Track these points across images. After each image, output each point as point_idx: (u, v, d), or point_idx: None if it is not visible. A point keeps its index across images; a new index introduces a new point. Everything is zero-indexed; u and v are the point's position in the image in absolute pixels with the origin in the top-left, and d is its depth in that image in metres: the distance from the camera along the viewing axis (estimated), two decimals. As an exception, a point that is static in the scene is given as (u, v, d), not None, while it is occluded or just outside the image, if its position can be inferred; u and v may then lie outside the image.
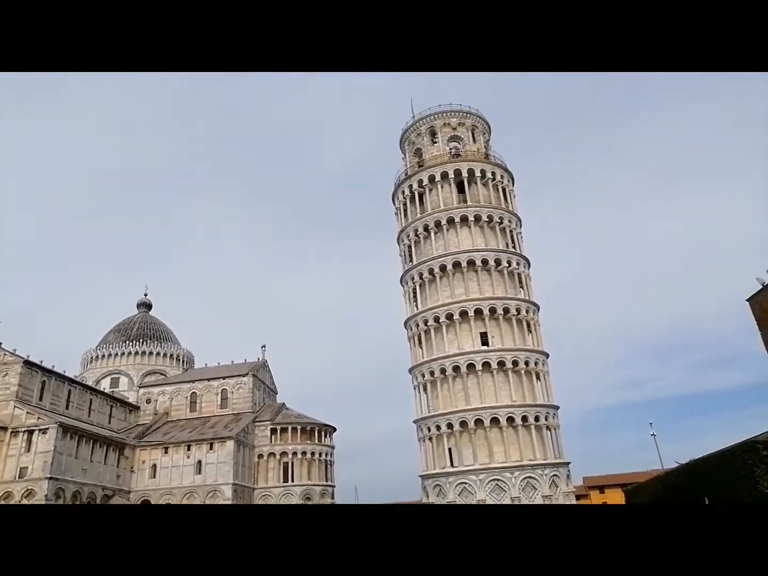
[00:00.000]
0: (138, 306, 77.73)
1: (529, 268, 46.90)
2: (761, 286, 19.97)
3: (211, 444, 53.60)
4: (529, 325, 44.05)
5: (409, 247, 47.84)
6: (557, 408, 42.82)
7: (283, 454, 57.56)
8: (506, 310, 42.85)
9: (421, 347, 45.27)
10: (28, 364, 48.92)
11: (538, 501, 37.95)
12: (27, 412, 46.33)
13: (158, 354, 69.30)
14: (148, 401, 63.88)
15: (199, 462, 52.91)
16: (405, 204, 48.89)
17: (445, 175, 46.70)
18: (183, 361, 71.49)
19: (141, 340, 69.45)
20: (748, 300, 20.79)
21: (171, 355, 70.39)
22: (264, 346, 70.06)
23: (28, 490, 42.73)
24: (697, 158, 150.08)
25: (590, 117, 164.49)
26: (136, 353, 68.06)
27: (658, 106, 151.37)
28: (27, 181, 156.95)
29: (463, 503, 38.25)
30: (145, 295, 78.75)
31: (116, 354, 67.96)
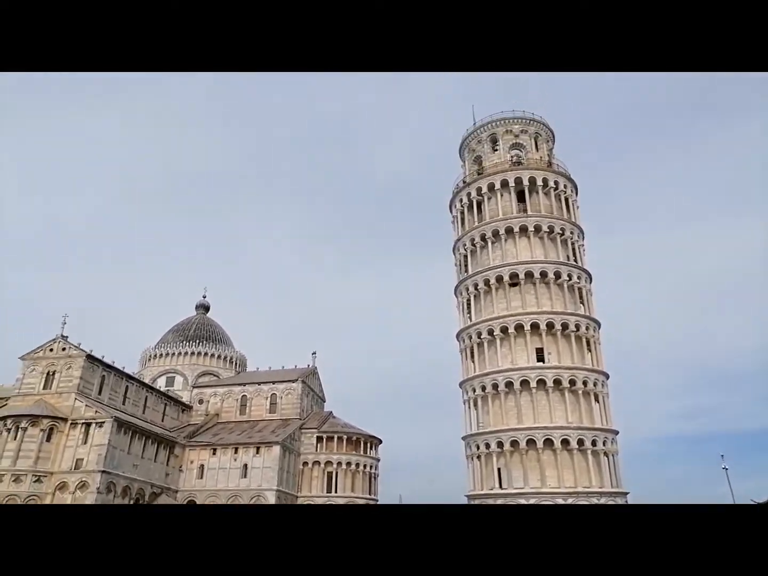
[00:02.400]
0: (196, 308, 79.81)
1: (590, 282, 44.50)
2: None
3: (258, 448, 53.63)
4: (588, 343, 41.61)
5: (465, 256, 46.49)
6: (616, 433, 40.06)
7: (328, 463, 56.90)
8: (565, 326, 40.65)
9: (473, 361, 43.67)
10: (90, 358, 50.68)
11: (594, 532, 35.32)
12: (86, 405, 47.86)
13: (213, 355, 70.62)
14: (201, 402, 65.00)
15: (245, 465, 53.01)
16: (462, 212, 47.67)
17: (505, 183, 45.19)
18: (236, 364, 72.55)
19: (197, 341, 71.05)
20: None
21: (225, 357, 71.58)
22: (314, 353, 70.10)
23: (82, 481, 43.93)
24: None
25: (665, 131, 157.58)
26: (192, 353, 69.61)
27: (726, 122, 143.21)
28: (97, 178, 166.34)
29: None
30: (204, 297, 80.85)
31: (173, 353, 69.76)
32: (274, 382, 63.79)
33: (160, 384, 66.24)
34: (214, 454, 54.20)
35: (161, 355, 70.22)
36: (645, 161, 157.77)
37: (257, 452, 53.40)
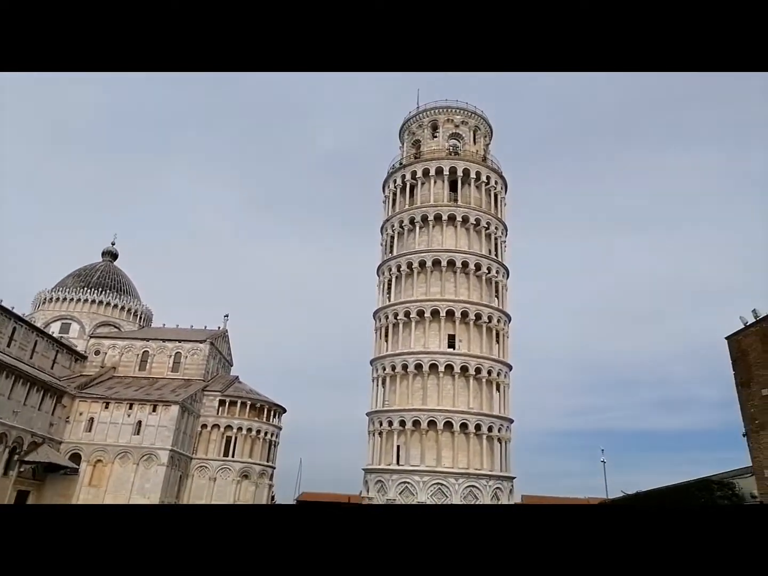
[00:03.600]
0: (103, 254, 74.66)
1: (507, 278, 46.43)
2: (743, 325, 19.55)
3: (155, 406, 51.62)
4: (498, 335, 43.53)
5: (392, 237, 46.84)
6: (512, 422, 42.43)
7: (228, 427, 55.92)
8: (478, 316, 42.24)
9: (386, 340, 44.37)
10: (-27, 292, 46.15)
11: (479, 512, 37.39)
12: (-37, 342, 43.73)
13: (115, 306, 66.57)
14: (97, 353, 61.31)
15: (140, 422, 50.89)
16: (395, 193, 47.87)
17: (440, 171, 45.83)
18: (140, 318, 68.95)
19: (100, 289, 66.63)
20: (727, 338, 20.41)
21: (129, 310, 67.75)
22: (227, 316, 68.17)
23: (-49, 423, 40.26)
24: (686, 200, 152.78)
25: (592, 138, 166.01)
26: (93, 302, 65.21)
27: (658, 141, 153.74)
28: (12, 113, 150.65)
29: (407, 503, 37.47)
30: (113, 243, 75.71)
31: (71, 299, 64.99)
32: (180, 341, 61.38)
33: (54, 330, 61.63)
34: (106, 407, 51.53)
35: (58, 299, 65.26)
36: (576, 169, 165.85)
37: (154, 410, 51.40)
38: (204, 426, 55.79)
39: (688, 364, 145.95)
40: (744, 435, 18.59)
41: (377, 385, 43.69)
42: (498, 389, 42.43)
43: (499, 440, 40.81)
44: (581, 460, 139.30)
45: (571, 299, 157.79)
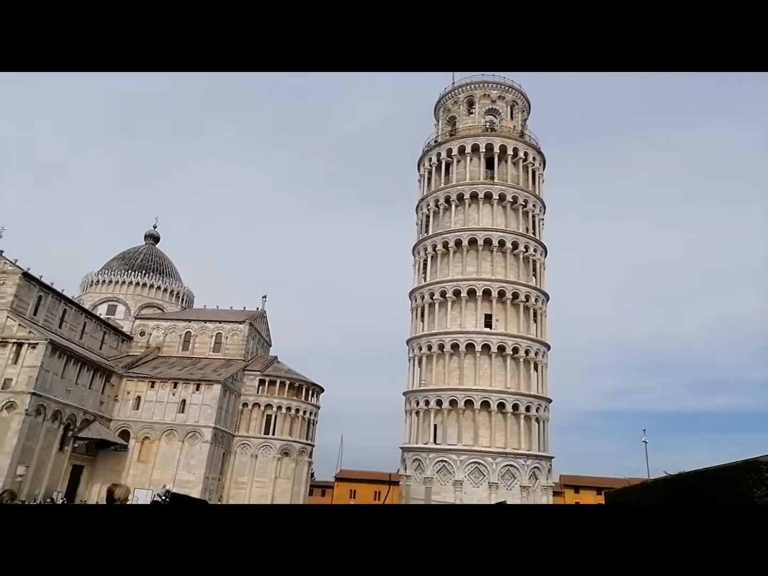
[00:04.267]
0: (145, 237, 76.73)
1: (545, 256, 45.54)
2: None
3: (198, 385, 53.21)
4: (535, 314, 42.90)
5: (428, 216, 46.45)
6: (550, 401, 41.98)
7: (268, 406, 57.22)
8: (515, 295, 41.66)
9: (422, 320, 44.30)
10: (27, 276, 48.18)
11: (516, 490, 37.40)
12: (19, 324, 45.75)
13: (158, 288, 68.53)
14: (142, 334, 63.45)
15: (184, 401, 52.60)
16: (430, 172, 47.32)
17: (476, 148, 44.98)
18: (182, 299, 70.84)
19: (143, 272, 68.65)
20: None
21: (171, 291, 69.64)
22: (265, 297, 69.36)
23: (9, 401, 42.42)
24: (727, 171, 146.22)
25: (630, 116, 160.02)
26: (137, 284, 67.30)
27: (697, 116, 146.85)
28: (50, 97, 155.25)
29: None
30: (154, 227, 77.69)
31: (117, 282, 67.21)
32: (220, 322, 62.87)
33: (101, 312, 64.00)
34: (152, 386, 53.40)
35: (104, 281, 67.59)
36: (618, 148, 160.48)
37: (197, 389, 53.00)
38: (245, 404, 57.23)
39: (736, 345, 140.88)
40: (796, 416, 17.82)
41: (414, 365, 43.81)
42: (536, 369, 41.96)
43: (537, 420, 40.47)
44: (619, 441, 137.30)
45: (609, 278, 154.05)
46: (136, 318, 64.75)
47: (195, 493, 46.32)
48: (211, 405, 51.84)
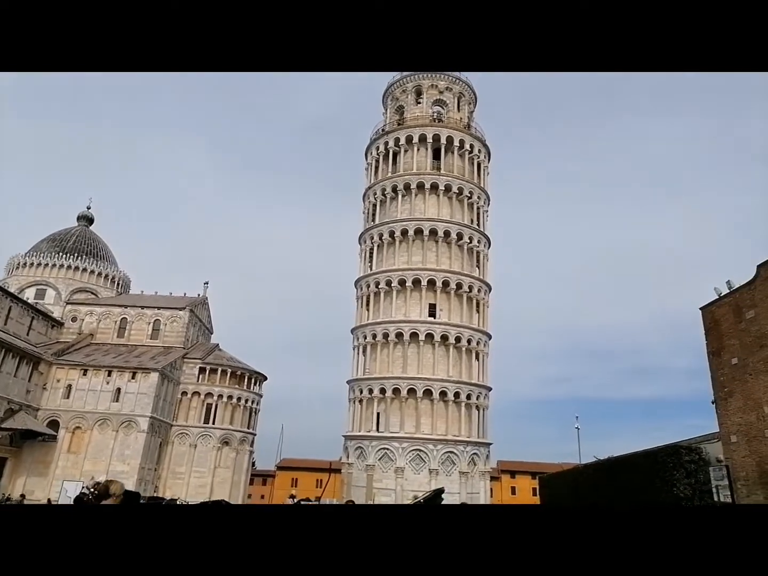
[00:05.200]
0: (78, 219, 72.72)
1: (488, 247, 46.48)
2: (717, 296, 19.87)
3: (134, 373, 51.33)
4: (478, 305, 43.80)
5: (374, 205, 46.38)
6: (490, 389, 43.10)
7: (208, 395, 55.95)
8: (459, 286, 42.36)
9: (368, 309, 44.38)
10: (-57, 256, 44.85)
11: (455, 476, 38.29)
12: (-66, 308, 42.66)
13: (92, 272, 65.26)
14: (74, 319, 60.43)
15: (119, 390, 50.64)
16: (378, 161, 47.20)
17: (423, 138, 45.18)
18: (118, 284, 67.81)
19: (76, 255, 65.16)
20: (701, 308, 20.76)
21: (106, 276, 66.51)
22: (207, 283, 67.52)
23: (-77, 389, 39.55)
24: (668, 170, 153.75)
25: (571, 114, 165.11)
26: (69, 267, 63.83)
27: (637, 113, 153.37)
28: None
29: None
30: (88, 208, 73.72)
31: (46, 264, 63.50)
32: (159, 308, 60.72)
33: (28, 296, 60.39)
34: (84, 374, 51.09)
35: (32, 264, 63.74)
36: (558, 138, 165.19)
37: (133, 377, 51.13)
38: (184, 393, 55.73)
39: (663, 335, 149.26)
40: (713, 402, 19.07)
41: (358, 354, 43.88)
42: (477, 358, 42.92)
43: (477, 408, 41.49)
44: (557, 427, 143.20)
45: (550, 270, 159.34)
46: (67, 303, 61.55)
47: (129, 484, 44.80)
48: (148, 393, 50.16)
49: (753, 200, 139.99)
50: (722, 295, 19.64)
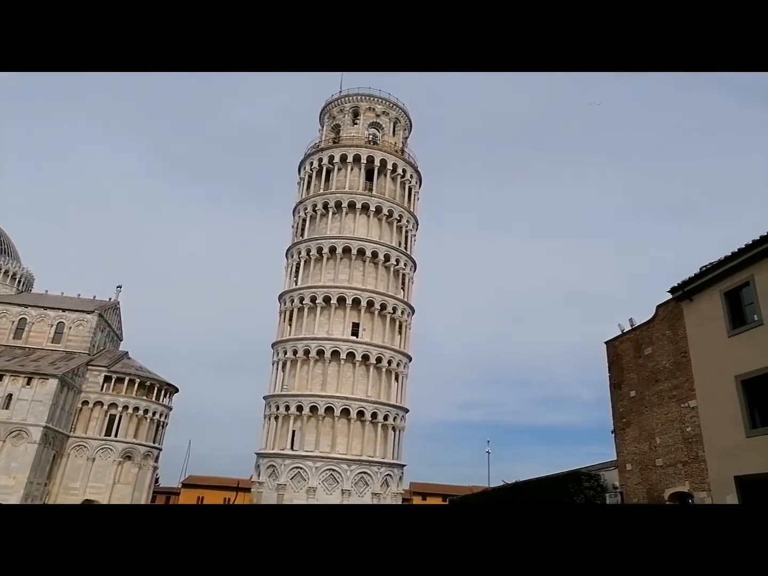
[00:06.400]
0: (-22, 208, 67.14)
1: (414, 270, 47.40)
2: (621, 332, 21.30)
3: (30, 379, 47.44)
4: (401, 326, 44.39)
5: (304, 220, 46.15)
6: (407, 411, 43.56)
7: (112, 405, 52.60)
8: (383, 306, 42.79)
9: (290, 324, 43.76)
10: None
11: (368, 497, 38.15)
12: None
13: (-11, 267, 60.10)
14: (-36, 317, 55.15)
15: (10, 395, 46.56)
16: (311, 176, 47.11)
17: (357, 159, 45.68)
18: (19, 282, 62.70)
19: (-29, 247, 59.85)
20: (606, 342, 22.14)
21: (6, 272, 61.30)
22: (120, 287, 63.87)
23: None
24: (583, 212, 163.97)
25: (506, 149, 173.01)
26: (-39, 259, 58.47)
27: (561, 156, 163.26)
28: None
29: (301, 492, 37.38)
30: (-9, 197, 68.23)
31: (-65, 254, 57.86)
32: (64, 310, 56.72)
33: None
34: (-30, 378, 46.56)
35: None
36: (486, 172, 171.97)
37: (28, 383, 47.24)
38: (85, 402, 52.09)
39: (570, 367, 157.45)
40: (612, 432, 20.33)
41: (277, 369, 43.03)
42: (397, 379, 43.33)
43: (394, 429, 41.75)
44: (470, 450, 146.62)
45: (470, 297, 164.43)
46: (-44, 298, 56.13)
47: (14, 499, 41.02)
48: (44, 401, 46.47)
49: (659, 243, 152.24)
50: (625, 331, 21.15)
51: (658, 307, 18.65)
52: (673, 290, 17.74)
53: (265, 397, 42.84)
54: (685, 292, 17.14)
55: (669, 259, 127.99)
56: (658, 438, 17.59)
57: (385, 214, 45.15)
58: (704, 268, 16.57)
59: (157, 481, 60.10)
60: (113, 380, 53.56)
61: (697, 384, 16.32)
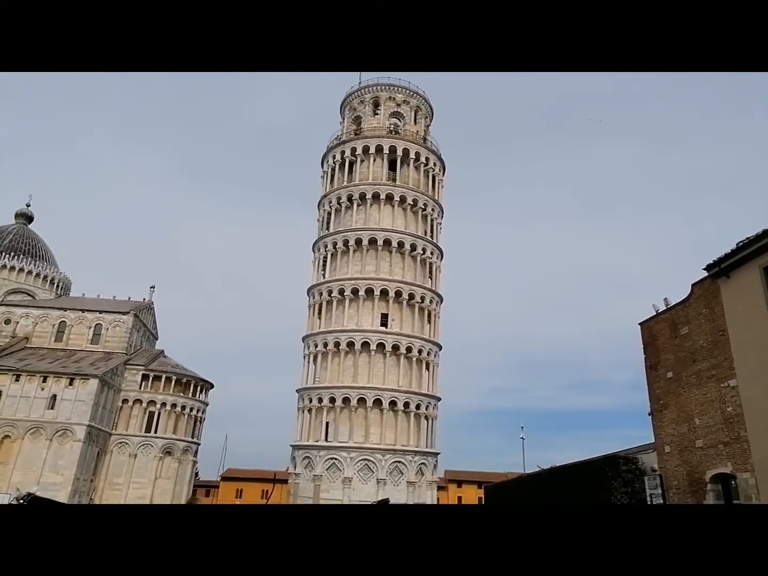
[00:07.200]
0: (16, 216, 69.18)
1: (441, 259, 47.14)
2: (655, 313, 20.80)
3: (72, 379, 49.03)
4: (429, 315, 44.27)
5: (329, 213, 46.30)
6: (439, 400, 43.53)
7: (151, 402, 54.03)
8: (411, 296, 42.73)
9: (320, 317, 44.09)
10: None
11: (403, 486, 38.37)
12: None
13: (30, 273, 62.10)
14: (8, 322, 57.20)
15: (55, 396, 48.22)
16: (334, 169, 47.19)
17: (380, 149, 45.54)
18: (58, 286, 64.78)
19: (12, 254, 61.87)
20: (640, 324, 21.66)
21: (45, 277, 63.44)
22: (153, 287, 65.33)
23: None
24: (612, 195, 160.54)
25: (526, 132, 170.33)
26: (3, 267, 60.53)
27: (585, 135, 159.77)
28: None
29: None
30: (28, 205, 70.27)
31: (-22, 263, 60.05)
32: (101, 312, 58.33)
33: (-43, 295, 56.87)
34: (17, 380, 48.43)
35: (-37, 262, 60.08)
36: (511, 157, 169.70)
37: (71, 384, 48.84)
38: (125, 401, 53.63)
39: (603, 350, 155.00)
40: (649, 414, 19.93)
41: (309, 362, 43.47)
42: (427, 368, 43.30)
43: (426, 418, 41.80)
44: (502, 437, 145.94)
45: (499, 283, 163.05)
46: (0, 304, 58.27)
47: (62, 495, 42.61)
48: (86, 401, 47.99)
49: (691, 220, 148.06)
50: (659, 311, 20.64)
51: (694, 285, 18.12)
52: (708, 267, 17.20)
53: (298, 390, 43.37)
54: (721, 268, 16.59)
55: (703, 237, 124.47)
56: (697, 419, 17.16)
57: (409, 204, 44.95)
58: (741, 243, 16.02)
59: (197, 475, 61.63)
60: (151, 378, 54.97)
61: (737, 362, 15.84)
